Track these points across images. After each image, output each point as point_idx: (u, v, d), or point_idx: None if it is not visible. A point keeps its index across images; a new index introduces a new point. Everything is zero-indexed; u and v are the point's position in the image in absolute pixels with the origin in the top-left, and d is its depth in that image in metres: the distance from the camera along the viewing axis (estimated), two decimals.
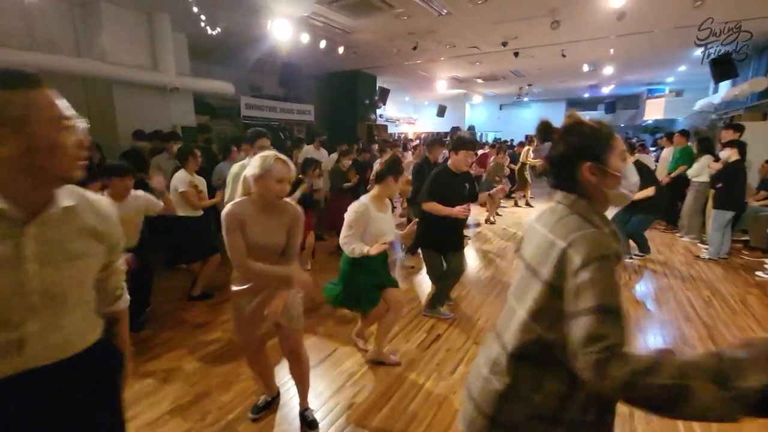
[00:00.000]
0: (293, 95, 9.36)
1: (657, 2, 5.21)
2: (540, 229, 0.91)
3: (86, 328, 0.93)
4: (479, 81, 12.20)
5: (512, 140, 13.53)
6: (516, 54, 7.87)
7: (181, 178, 3.30)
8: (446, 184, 2.90)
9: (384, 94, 11.63)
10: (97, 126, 5.40)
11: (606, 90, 13.81)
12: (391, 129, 16.11)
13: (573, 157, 0.88)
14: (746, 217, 4.98)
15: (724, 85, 8.19)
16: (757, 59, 7.63)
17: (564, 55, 7.99)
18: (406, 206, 5.35)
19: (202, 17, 5.07)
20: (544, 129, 0.96)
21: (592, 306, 0.70)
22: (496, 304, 3.51)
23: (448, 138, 9.35)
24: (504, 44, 7.31)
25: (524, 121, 18.28)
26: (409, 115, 18.47)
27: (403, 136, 15.94)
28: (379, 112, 12.16)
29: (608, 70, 9.94)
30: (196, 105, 6.80)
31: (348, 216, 2.25)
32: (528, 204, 8.44)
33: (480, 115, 19.17)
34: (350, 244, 2.18)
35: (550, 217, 0.91)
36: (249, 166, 1.68)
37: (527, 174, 8.35)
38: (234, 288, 1.71)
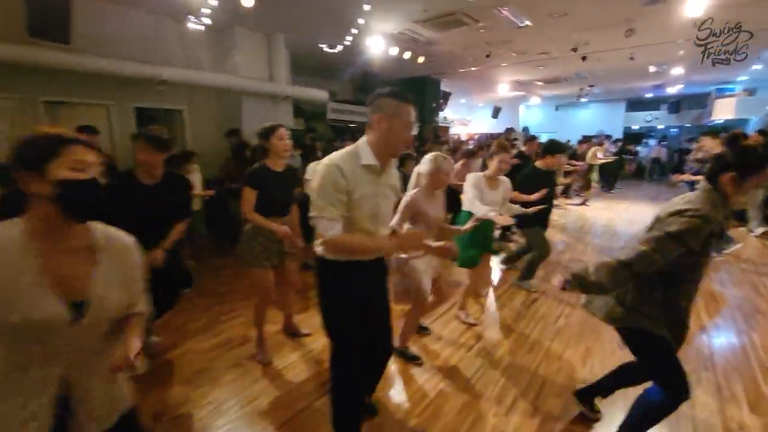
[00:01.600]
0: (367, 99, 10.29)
1: (736, 9, 5.49)
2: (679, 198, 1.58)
3: None
4: (539, 83, 12.53)
5: (568, 140, 13.67)
6: (584, 58, 8.26)
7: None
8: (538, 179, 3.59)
9: (446, 97, 12.29)
10: (227, 127, 6.56)
11: (671, 89, 13.57)
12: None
13: (727, 165, 1.48)
14: None
15: None
16: None
17: (632, 58, 8.26)
18: None
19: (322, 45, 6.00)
20: (734, 139, 1.61)
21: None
22: None
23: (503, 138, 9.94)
24: (574, 50, 7.75)
25: (581, 121, 18.13)
26: (463, 117, 18.92)
27: (456, 137, 16.40)
28: (442, 115, 12.82)
29: (677, 71, 9.98)
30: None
31: (467, 182, 2.98)
32: (584, 203, 8.74)
33: (535, 116, 19.25)
34: (475, 205, 2.86)
35: (693, 194, 1.55)
36: (421, 164, 2.46)
37: (592, 176, 8.70)
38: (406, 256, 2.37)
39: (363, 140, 1.60)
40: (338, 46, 6.87)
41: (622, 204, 9.12)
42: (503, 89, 12.63)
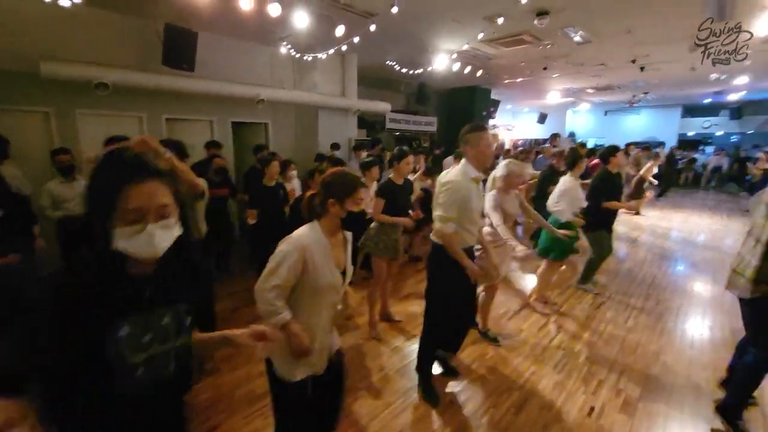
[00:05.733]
0: (421, 110, 10.81)
1: None
2: None
3: None
4: (590, 90, 12.53)
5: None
6: (642, 68, 8.35)
7: None
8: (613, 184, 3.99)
9: (496, 105, 12.58)
10: (306, 139, 7.27)
11: (732, 96, 13.12)
12: None
13: None
14: None
15: None
16: None
17: (693, 69, 8.26)
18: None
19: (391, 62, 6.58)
20: None
21: None
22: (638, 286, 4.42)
23: (548, 143, 10.08)
24: (633, 61, 7.88)
25: (631, 126, 17.70)
26: (507, 122, 19.00)
27: (500, 141, 16.56)
28: (491, 122, 13.11)
29: (741, 80, 9.76)
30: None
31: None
32: (638, 213, 8.79)
33: (582, 121, 19.01)
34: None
35: None
36: (498, 168, 2.96)
37: (645, 186, 8.77)
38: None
39: (464, 161, 2.31)
40: (406, 66, 7.44)
41: (679, 214, 9.07)
42: (552, 96, 12.75)
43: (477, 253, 2.84)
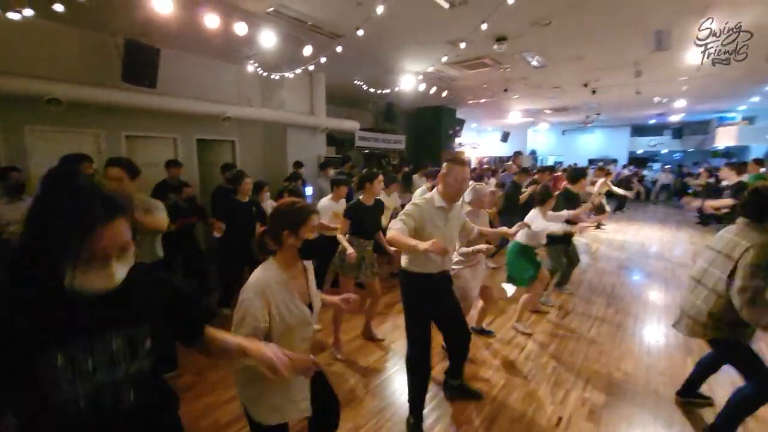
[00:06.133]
0: (389, 128, 11.00)
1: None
2: (726, 235, 2.12)
3: None
4: (548, 111, 13.27)
5: (575, 164, 14.38)
6: (594, 91, 8.96)
7: None
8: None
9: (461, 124, 13.02)
10: (275, 157, 7.19)
11: (674, 117, 14.30)
12: None
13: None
14: None
15: None
16: None
17: (638, 92, 8.96)
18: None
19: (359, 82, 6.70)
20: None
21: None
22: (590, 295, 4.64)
23: (510, 161, 10.56)
24: (585, 85, 8.45)
25: (586, 145, 18.87)
26: (472, 140, 19.69)
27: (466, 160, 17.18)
28: (457, 140, 13.54)
29: (679, 103, 10.68)
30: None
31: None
32: (599, 227, 9.26)
33: (542, 140, 20.00)
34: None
35: (737, 229, 2.09)
36: (467, 192, 3.06)
37: (605, 202, 9.29)
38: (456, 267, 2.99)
39: (435, 190, 2.32)
40: (373, 86, 7.60)
41: (633, 226, 9.65)
42: (514, 116, 13.38)
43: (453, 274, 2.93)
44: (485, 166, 14.35)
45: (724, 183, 6.53)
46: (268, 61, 6.09)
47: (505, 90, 8.63)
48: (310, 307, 1.59)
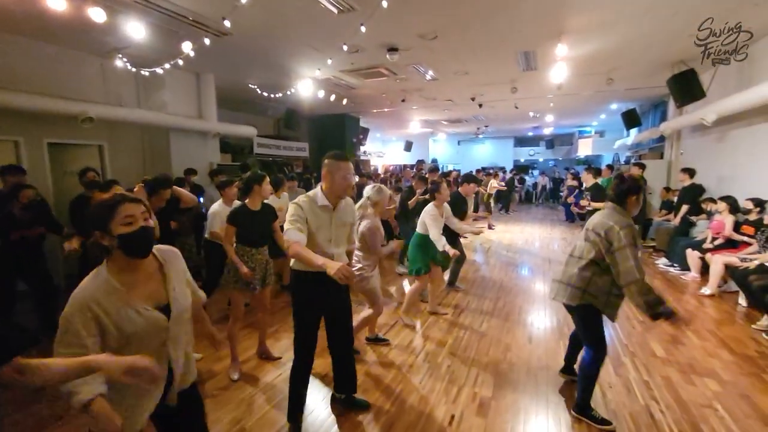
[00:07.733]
0: (292, 135, 10.65)
1: (582, 79, 7.31)
2: (596, 217, 2.37)
3: None
4: (444, 122, 14.26)
5: (471, 171, 15.74)
6: (480, 105, 9.86)
7: None
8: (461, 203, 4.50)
9: (365, 133, 13.24)
10: (157, 164, 6.39)
11: (546, 131, 16.53)
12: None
13: (628, 192, 2.30)
14: (653, 229, 7.01)
15: (635, 130, 10.73)
16: (653, 113, 10.21)
17: (516, 107, 10.11)
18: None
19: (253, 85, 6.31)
20: (623, 180, 2.34)
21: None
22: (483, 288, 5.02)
23: (414, 169, 11.17)
24: (473, 99, 9.24)
25: (479, 154, 20.81)
26: (378, 149, 20.21)
27: (373, 168, 17.59)
28: (362, 149, 13.69)
29: (549, 117, 12.36)
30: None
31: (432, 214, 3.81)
32: (490, 227, 10.18)
33: (441, 149, 21.44)
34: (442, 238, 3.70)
35: (605, 212, 2.34)
36: (372, 193, 3.06)
37: (492, 201, 10.23)
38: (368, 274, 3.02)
39: (318, 188, 2.22)
40: (269, 90, 7.25)
41: (518, 226, 10.79)
42: (414, 126, 14.08)
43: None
44: (390, 173, 14.88)
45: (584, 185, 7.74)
46: (145, 57, 5.39)
47: (403, 100, 8.99)
48: (168, 308, 1.36)
